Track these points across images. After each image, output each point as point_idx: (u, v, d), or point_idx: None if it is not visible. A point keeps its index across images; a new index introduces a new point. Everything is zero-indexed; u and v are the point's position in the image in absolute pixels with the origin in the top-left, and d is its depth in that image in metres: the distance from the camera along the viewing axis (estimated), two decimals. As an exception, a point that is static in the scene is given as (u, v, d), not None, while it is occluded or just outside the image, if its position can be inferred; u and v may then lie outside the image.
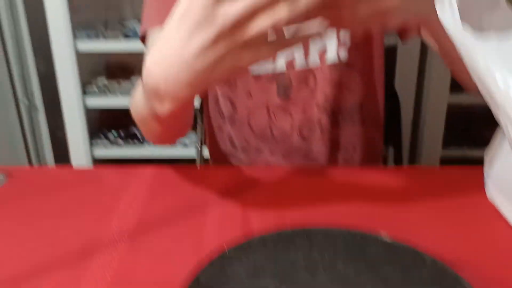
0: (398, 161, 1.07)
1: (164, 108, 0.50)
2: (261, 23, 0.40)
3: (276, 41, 0.42)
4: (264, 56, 0.43)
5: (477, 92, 0.49)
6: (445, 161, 1.70)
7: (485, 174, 0.68)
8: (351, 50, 0.80)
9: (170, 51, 0.45)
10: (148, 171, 0.73)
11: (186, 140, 1.71)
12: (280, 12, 0.40)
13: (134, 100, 0.67)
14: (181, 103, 0.49)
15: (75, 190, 0.69)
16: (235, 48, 0.41)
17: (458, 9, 0.38)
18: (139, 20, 1.72)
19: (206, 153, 1.06)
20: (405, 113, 1.13)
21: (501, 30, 0.39)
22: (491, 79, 0.35)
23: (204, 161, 1.11)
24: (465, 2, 0.38)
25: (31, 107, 1.83)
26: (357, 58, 0.82)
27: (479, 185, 0.69)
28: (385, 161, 1.05)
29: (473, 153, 1.73)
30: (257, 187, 0.68)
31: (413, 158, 1.75)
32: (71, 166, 1.73)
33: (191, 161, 1.31)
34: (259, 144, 0.86)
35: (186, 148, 1.71)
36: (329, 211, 0.61)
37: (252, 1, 0.39)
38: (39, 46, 1.72)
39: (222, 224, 0.58)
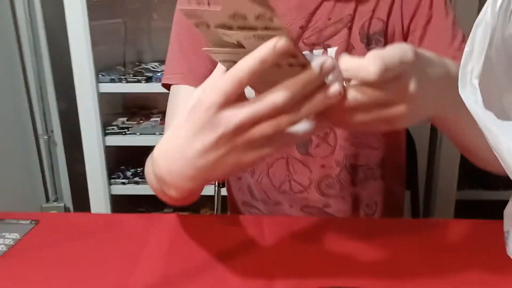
0: (414, 202, 1.07)
1: (171, 193, 0.53)
2: (263, 129, 0.41)
3: (278, 140, 0.43)
4: (266, 154, 0.44)
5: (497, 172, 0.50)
6: (460, 203, 1.70)
7: (505, 230, 0.68)
8: None
9: (175, 147, 0.48)
10: (168, 219, 0.75)
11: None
12: (282, 119, 0.41)
13: (147, 171, 0.68)
14: (186, 193, 0.52)
15: (99, 237, 0.71)
16: (236, 150, 0.43)
17: (480, 89, 0.40)
18: (158, 61, 1.77)
19: (223, 191, 1.07)
20: (420, 155, 1.14)
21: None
22: (513, 159, 0.36)
23: (222, 202, 1.13)
24: (486, 82, 0.40)
25: (50, 142, 1.86)
26: None
27: (499, 240, 0.69)
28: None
29: (488, 195, 1.73)
30: (278, 239, 0.69)
31: (428, 200, 1.75)
32: (91, 212, 1.75)
33: (209, 198, 1.33)
34: (278, 196, 0.86)
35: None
36: (347, 268, 0.61)
37: (254, 110, 0.41)
38: (60, 83, 1.77)
39: (244, 279, 0.59)
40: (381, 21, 0.79)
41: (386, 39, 0.79)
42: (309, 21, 0.78)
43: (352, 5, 0.78)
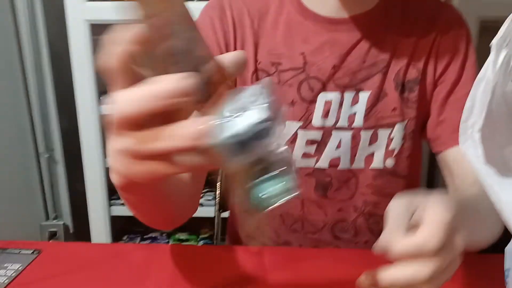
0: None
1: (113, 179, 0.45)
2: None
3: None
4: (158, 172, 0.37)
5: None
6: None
7: (505, 268, 0.69)
8: (398, 157, 0.80)
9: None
10: (169, 250, 0.75)
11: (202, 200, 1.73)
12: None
13: None
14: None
15: (101, 269, 0.71)
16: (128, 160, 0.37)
17: (481, 143, 0.40)
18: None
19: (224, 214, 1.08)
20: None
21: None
22: (514, 216, 0.37)
23: (222, 226, 1.13)
24: (487, 135, 0.41)
25: (51, 161, 1.87)
26: (403, 166, 0.81)
27: (500, 274, 0.70)
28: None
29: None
30: (279, 271, 0.70)
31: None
32: (90, 231, 1.74)
33: (208, 219, 1.32)
34: (288, 235, 0.85)
35: (201, 207, 1.73)
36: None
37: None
38: (62, 102, 1.78)
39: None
40: (417, 69, 0.77)
41: (420, 87, 0.78)
42: (342, 61, 0.76)
43: (388, 51, 0.77)
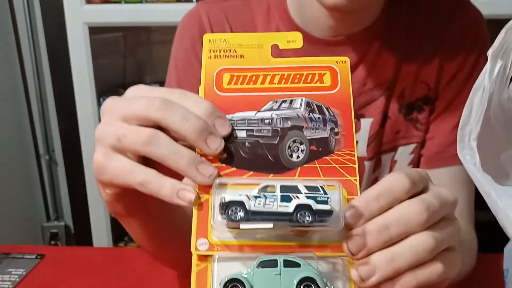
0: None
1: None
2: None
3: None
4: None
5: None
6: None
7: (504, 268, 0.69)
8: None
9: None
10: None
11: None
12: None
13: None
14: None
15: (104, 273, 0.72)
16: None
17: (478, 150, 0.41)
18: (159, 83, 1.78)
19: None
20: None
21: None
22: (510, 224, 0.38)
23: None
24: (484, 143, 0.41)
25: (51, 162, 1.87)
26: None
27: (499, 274, 0.70)
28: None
29: (482, 216, 1.73)
30: None
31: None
32: (92, 232, 1.75)
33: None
34: None
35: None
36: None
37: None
38: (62, 104, 1.78)
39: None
40: (426, 85, 0.71)
41: (430, 107, 0.72)
42: None
43: (391, 70, 0.70)
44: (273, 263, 0.36)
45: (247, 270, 0.36)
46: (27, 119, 1.82)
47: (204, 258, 0.37)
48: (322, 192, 0.37)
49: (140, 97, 0.40)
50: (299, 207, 0.36)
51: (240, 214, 0.36)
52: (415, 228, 0.37)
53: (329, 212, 0.36)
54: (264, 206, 0.36)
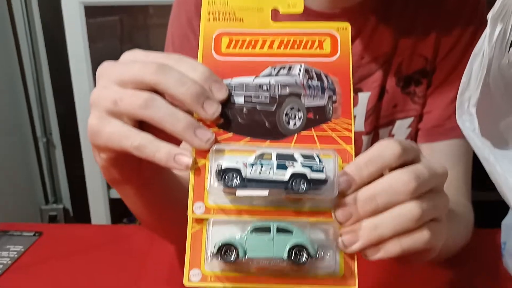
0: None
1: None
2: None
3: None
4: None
5: None
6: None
7: (502, 241, 0.70)
8: None
9: None
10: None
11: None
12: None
13: None
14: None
15: (103, 250, 0.72)
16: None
17: (477, 116, 0.41)
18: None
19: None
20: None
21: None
22: (509, 188, 0.37)
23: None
24: (483, 109, 0.41)
25: (49, 145, 1.87)
26: None
27: (496, 249, 0.71)
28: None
29: (480, 195, 1.73)
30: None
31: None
32: (90, 214, 1.75)
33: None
34: None
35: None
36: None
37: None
38: (59, 86, 1.77)
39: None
40: (424, 58, 0.71)
41: (428, 80, 0.72)
42: None
43: (389, 42, 0.70)
44: (266, 229, 0.36)
45: (240, 235, 0.36)
46: (24, 101, 1.81)
47: (199, 221, 0.38)
48: (317, 160, 0.37)
49: (136, 61, 0.40)
50: (294, 175, 0.37)
51: (236, 181, 0.36)
52: (403, 197, 0.37)
53: (323, 181, 0.37)
54: (260, 173, 0.37)
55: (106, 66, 0.41)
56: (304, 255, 0.35)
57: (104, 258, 0.70)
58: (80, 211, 1.88)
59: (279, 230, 0.36)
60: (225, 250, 0.36)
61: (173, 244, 0.69)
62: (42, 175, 1.90)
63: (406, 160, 0.38)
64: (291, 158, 0.37)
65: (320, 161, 0.37)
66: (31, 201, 1.88)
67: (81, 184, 1.75)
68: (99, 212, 1.75)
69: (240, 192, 0.36)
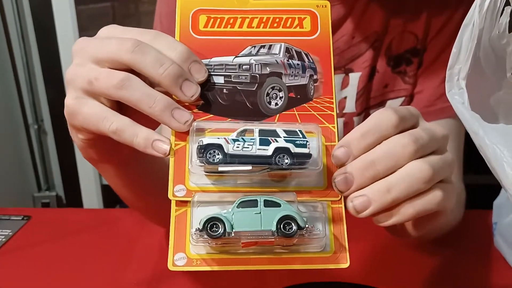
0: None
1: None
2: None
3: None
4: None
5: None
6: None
7: (493, 221, 0.70)
8: None
9: None
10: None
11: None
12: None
13: None
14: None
15: (92, 233, 0.71)
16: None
17: (467, 90, 0.40)
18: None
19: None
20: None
21: (508, 109, 0.42)
22: (498, 161, 0.37)
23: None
24: (474, 82, 0.40)
25: (41, 132, 1.85)
26: None
27: (487, 229, 0.71)
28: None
29: (474, 179, 1.73)
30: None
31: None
32: (83, 200, 1.74)
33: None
34: None
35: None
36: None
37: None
38: (49, 72, 1.75)
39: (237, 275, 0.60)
40: (415, 36, 0.70)
41: (419, 59, 0.71)
42: None
43: (380, 21, 0.69)
44: (253, 203, 0.36)
45: (227, 210, 0.35)
46: (15, 89, 1.79)
47: (183, 203, 0.37)
48: (301, 136, 0.37)
49: (112, 38, 0.38)
50: (278, 150, 0.36)
51: (219, 157, 0.36)
52: (403, 160, 0.36)
53: (307, 155, 0.36)
54: (242, 149, 0.36)
55: (82, 42, 0.40)
56: (293, 226, 0.35)
57: (93, 241, 0.70)
58: (73, 198, 1.87)
59: (267, 203, 0.35)
60: (211, 225, 0.35)
61: (162, 227, 0.68)
62: (34, 162, 1.88)
63: (404, 128, 0.38)
64: (274, 134, 0.37)
65: (303, 136, 0.37)
66: (23, 188, 1.87)
67: (73, 171, 1.74)
68: (92, 199, 1.74)
69: (222, 168, 0.35)
